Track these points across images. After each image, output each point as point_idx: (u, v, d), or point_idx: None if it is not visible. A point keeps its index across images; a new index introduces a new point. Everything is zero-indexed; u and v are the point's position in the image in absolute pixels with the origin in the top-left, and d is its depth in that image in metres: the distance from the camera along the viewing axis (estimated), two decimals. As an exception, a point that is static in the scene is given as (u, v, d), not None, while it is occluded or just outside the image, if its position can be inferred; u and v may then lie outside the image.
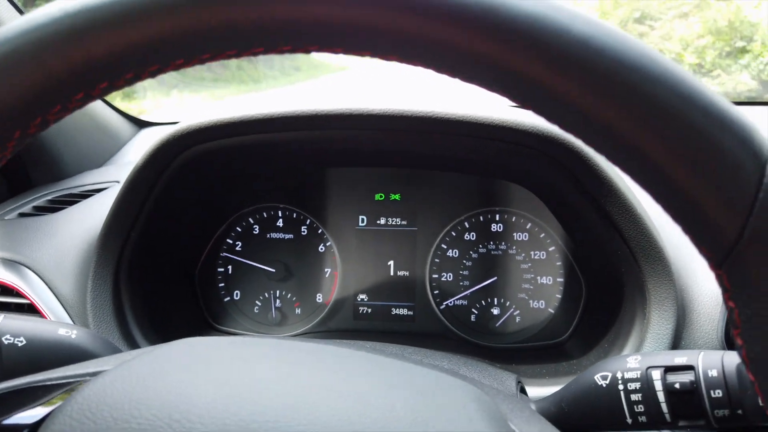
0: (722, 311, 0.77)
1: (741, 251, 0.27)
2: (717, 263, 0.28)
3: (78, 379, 0.42)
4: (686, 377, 0.53)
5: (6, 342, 0.59)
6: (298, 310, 1.10)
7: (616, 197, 0.77)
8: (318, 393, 0.35)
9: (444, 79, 0.32)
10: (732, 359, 0.53)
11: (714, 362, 0.53)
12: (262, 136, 0.89)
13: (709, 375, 0.52)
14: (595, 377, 0.58)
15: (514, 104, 0.30)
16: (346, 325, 1.09)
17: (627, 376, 0.56)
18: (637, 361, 0.56)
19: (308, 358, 0.41)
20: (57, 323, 0.63)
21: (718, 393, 0.52)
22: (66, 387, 0.43)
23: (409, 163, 1.06)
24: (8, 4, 1.09)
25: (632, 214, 0.77)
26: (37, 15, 0.29)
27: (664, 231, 0.79)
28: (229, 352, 0.40)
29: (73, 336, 0.62)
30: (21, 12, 1.13)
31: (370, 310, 1.09)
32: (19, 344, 0.60)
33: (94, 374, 0.38)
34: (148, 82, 0.35)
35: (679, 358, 0.55)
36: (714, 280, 0.74)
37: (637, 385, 0.55)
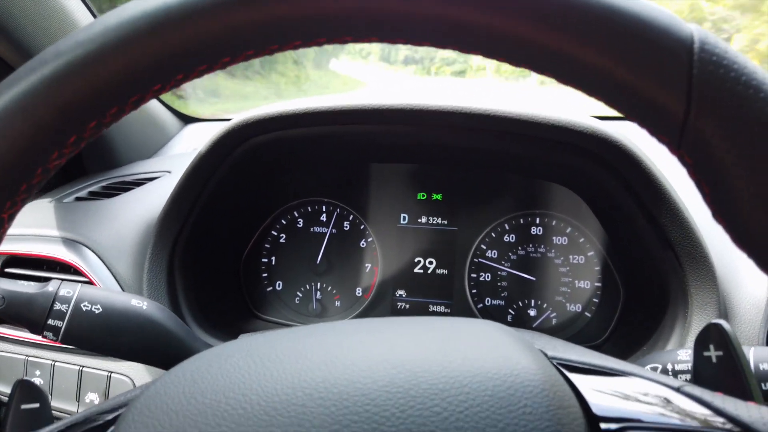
0: (764, 317, 0.79)
1: (690, 127, 0.30)
2: (675, 145, 0.32)
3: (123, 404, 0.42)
4: None
5: (84, 309, 0.63)
6: (337, 303, 1.13)
7: (665, 201, 0.79)
8: (374, 361, 0.36)
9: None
10: None
11: (765, 356, 0.55)
12: (314, 130, 0.93)
13: (761, 368, 0.54)
14: (645, 368, 0.60)
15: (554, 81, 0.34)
16: None
17: (678, 368, 0.58)
18: (688, 354, 0.58)
19: (351, 335, 0.42)
20: (129, 295, 0.67)
21: (768, 386, 0.53)
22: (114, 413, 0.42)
23: (453, 161, 1.09)
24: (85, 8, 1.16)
25: (680, 218, 0.78)
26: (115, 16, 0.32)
27: (709, 236, 0.80)
28: (266, 346, 0.40)
29: (144, 306, 0.66)
30: (95, 15, 1.19)
31: (408, 306, 1.12)
32: (96, 311, 0.63)
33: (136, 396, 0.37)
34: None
35: None
36: (756, 284, 0.76)
37: (688, 377, 0.57)
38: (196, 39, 0.33)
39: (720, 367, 0.44)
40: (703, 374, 0.46)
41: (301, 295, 1.14)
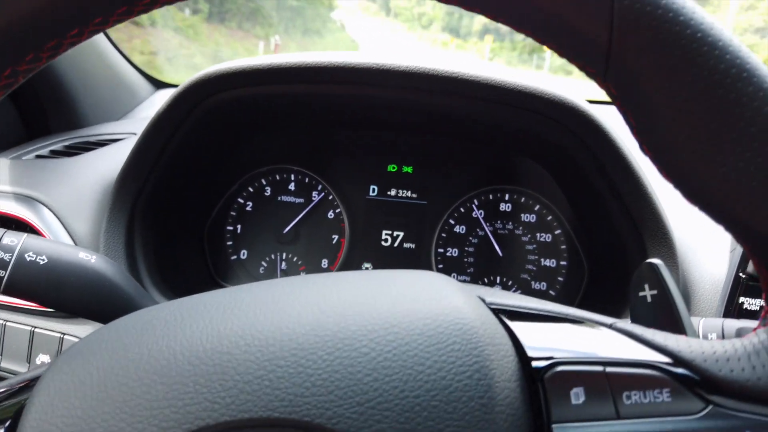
0: (722, 296, 0.79)
1: (615, 57, 0.30)
2: (602, 76, 0.32)
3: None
4: None
5: (28, 259, 0.61)
6: (302, 274, 1.12)
7: (631, 177, 0.79)
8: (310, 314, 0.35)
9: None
10: (731, 325, 0.55)
11: (714, 327, 0.55)
12: (283, 88, 0.90)
13: (709, 338, 0.54)
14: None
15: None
16: None
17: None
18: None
19: (283, 290, 0.40)
20: (77, 248, 0.65)
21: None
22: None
23: (423, 129, 1.07)
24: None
25: (643, 193, 0.78)
26: None
27: (672, 214, 0.80)
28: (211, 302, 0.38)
29: (93, 260, 0.64)
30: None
31: (373, 279, 1.11)
32: (41, 262, 0.61)
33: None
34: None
35: None
36: (716, 265, 0.76)
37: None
38: None
39: (655, 305, 0.44)
40: (639, 314, 0.46)
41: (266, 264, 1.12)
